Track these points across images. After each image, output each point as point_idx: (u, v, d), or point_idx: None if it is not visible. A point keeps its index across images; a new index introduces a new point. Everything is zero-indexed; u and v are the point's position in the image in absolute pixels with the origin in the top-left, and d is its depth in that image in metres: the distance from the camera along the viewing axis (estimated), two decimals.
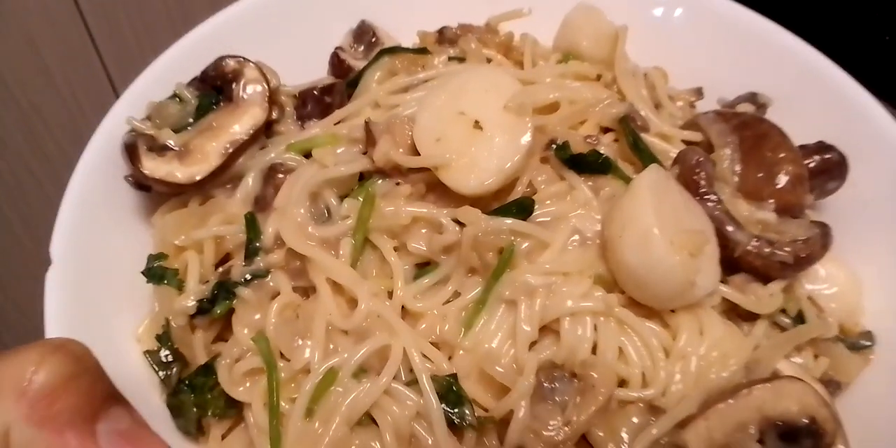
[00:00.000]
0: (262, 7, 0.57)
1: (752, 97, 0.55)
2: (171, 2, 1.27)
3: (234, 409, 0.41)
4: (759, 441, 0.39)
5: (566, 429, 0.36)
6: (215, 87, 0.51)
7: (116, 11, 1.27)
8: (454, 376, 0.38)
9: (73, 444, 0.34)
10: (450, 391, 0.38)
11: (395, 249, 0.43)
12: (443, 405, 0.38)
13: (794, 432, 0.39)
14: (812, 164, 0.50)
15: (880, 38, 0.80)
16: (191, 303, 0.43)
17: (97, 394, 0.35)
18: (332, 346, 0.40)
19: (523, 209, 0.42)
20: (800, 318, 0.45)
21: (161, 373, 0.42)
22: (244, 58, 0.51)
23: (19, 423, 0.33)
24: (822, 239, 0.44)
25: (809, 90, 0.54)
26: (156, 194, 0.50)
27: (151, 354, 0.43)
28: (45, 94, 1.32)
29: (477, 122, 0.43)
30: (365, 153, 0.46)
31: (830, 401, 0.39)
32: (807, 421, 0.38)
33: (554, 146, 0.45)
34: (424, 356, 0.39)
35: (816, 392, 0.38)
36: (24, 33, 1.22)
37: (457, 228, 0.42)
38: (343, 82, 0.54)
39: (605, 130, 0.50)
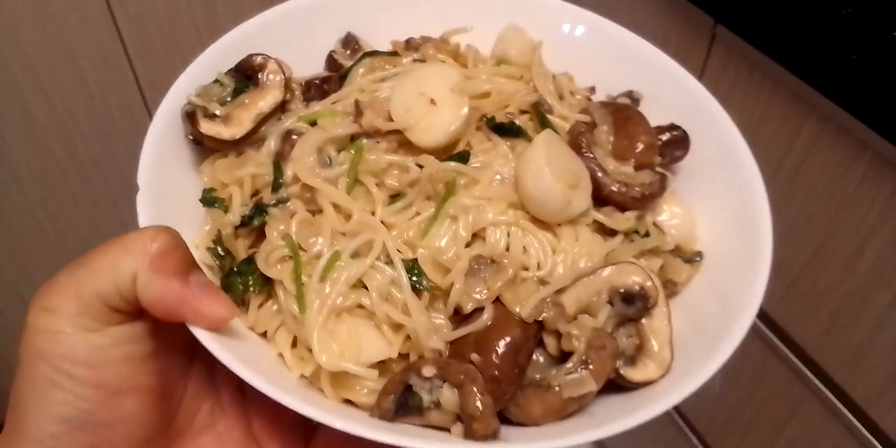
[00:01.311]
0: (275, 20, 0.73)
1: (629, 93, 0.72)
2: (200, 18, 1.36)
3: (267, 286, 0.58)
4: (609, 303, 0.57)
5: (486, 292, 0.56)
6: (246, 75, 0.67)
7: (149, 24, 1.34)
8: (416, 260, 0.56)
9: (175, 285, 0.49)
10: (412, 268, 0.55)
11: (377, 185, 0.59)
12: (409, 276, 0.55)
13: (630, 296, 0.56)
14: (665, 138, 0.67)
15: (848, 57, 0.87)
16: (237, 217, 0.60)
17: (188, 259, 0.52)
18: (335, 242, 0.58)
19: (462, 158, 0.60)
20: (647, 237, 0.65)
21: (217, 262, 0.60)
22: (267, 55, 0.68)
23: (143, 269, 0.48)
24: (660, 183, 0.62)
25: (667, 88, 0.71)
26: (203, 149, 0.66)
27: (211, 250, 0.60)
28: (78, 99, 1.39)
29: (432, 100, 0.60)
30: (355, 121, 0.63)
31: (656, 279, 0.59)
32: (638, 288, 0.57)
33: (485, 119, 0.63)
34: (397, 250, 0.57)
35: (645, 271, 0.58)
36: (63, 43, 1.30)
37: (419, 169, 0.59)
38: (337, 75, 0.72)
39: (523, 112, 0.67)
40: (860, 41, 0.87)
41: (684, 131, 0.69)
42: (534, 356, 0.57)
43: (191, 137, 0.64)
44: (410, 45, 0.74)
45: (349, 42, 0.77)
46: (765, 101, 0.98)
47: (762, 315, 1.22)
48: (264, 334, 0.61)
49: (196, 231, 0.63)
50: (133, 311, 0.52)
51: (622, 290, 0.57)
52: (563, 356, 0.57)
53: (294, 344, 0.59)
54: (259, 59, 0.68)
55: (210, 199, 0.62)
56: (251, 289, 0.58)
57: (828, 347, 1.14)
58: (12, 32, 1.29)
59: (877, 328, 1.07)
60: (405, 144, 0.62)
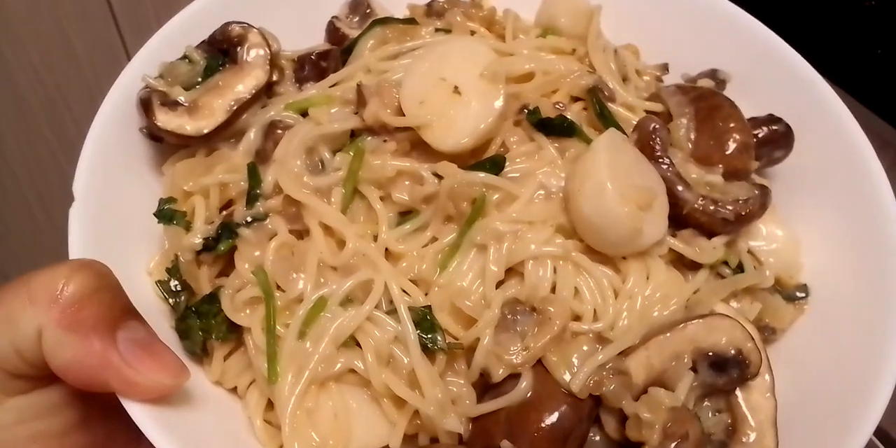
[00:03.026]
0: None
1: (712, 74, 0.59)
2: None
3: (234, 334, 0.46)
4: (693, 369, 0.44)
5: (524, 353, 0.42)
6: (222, 50, 0.54)
7: (144, 3, 1.27)
8: (428, 307, 0.43)
9: (97, 347, 0.38)
10: (424, 320, 0.42)
11: (381, 199, 0.47)
12: (418, 331, 0.42)
13: (723, 362, 0.43)
14: (761, 134, 0.54)
15: (872, 52, 0.82)
16: (198, 240, 0.47)
17: (118, 306, 0.40)
18: (322, 280, 0.44)
19: (496, 165, 0.47)
20: (740, 270, 0.50)
21: (171, 300, 0.47)
22: (248, 24, 0.54)
23: (50, 326, 0.37)
24: (761, 199, 0.48)
25: (766, 68, 0.57)
26: (166, 145, 0.54)
27: (162, 284, 0.47)
28: (70, 81, 1.33)
29: (456, 87, 0.47)
30: (356, 113, 0.50)
31: (758, 337, 0.44)
32: (734, 352, 0.43)
33: (526, 111, 0.49)
34: (403, 291, 0.44)
35: (744, 328, 0.43)
36: (55, 22, 1.24)
37: (436, 181, 0.46)
38: (338, 49, 0.57)
39: (576, 99, 0.53)
40: (885, 35, 0.82)
41: (787, 125, 0.55)
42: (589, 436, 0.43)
43: (145, 132, 0.50)
44: (433, 9, 0.60)
45: (358, 5, 0.63)
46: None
47: None
48: (235, 388, 0.47)
49: (150, 251, 0.50)
50: (41, 375, 0.40)
51: (711, 354, 0.43)
52: (627, 442, 0.42)
53: (270, 405, 0.46)
54: (238, 28, 0.54)
55: (167, 214, 0.49)
56: (213, 336, 0.45)
57: None
58: (2, 12, 1.22)
59: None
60: (419, 144, 0.49)
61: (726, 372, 0.43)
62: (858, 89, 0.82)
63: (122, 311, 0.40)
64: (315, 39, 0.61)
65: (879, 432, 1.05)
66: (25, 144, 1.40)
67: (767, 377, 0.44)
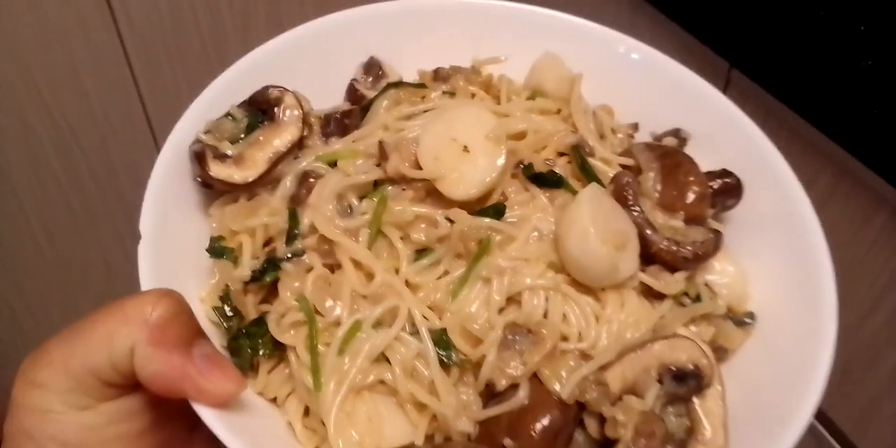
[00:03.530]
0: (290, 45, 0.67)
1: (675, 132, 0.67)
2: (207, 37, 1.30)
3: (277, 351, 0.53)
4: (659, 381, 0.52)
5: (522, 367, 0.50)
6: (261, 109, 0.62)
7: (156, 42, 1.29)
8: (444, 330, 0.51)
9: (177, 361, 0.45)
10: (441, 339, 0.50)
11: (401, 238, 0.54)
12: (436, 349, 0.50)
13: (683, 375, 0.51)
14: (716, 186, 0.61)
15: (869, 111, 0.83)
16: (246, 272, 0.55)
17: (192, 328, 0.47)
18: (355, 307, 0.52)
19: (497, 212, 0.55)
20: (698, 300, 0.58)
21: (224, 323, 0.55)
22: (284, 87, 0.62)
23: (141, 343, 0.44)
24: (715, 242, 0.57)
25: (720, 128, 0.65)
26: (211, 192, 0.61)
27: (217, 309, 0.54)
28: (81, 116, 1.35)
29: (465, 146, 0.55)
30: (378, 165, 0.57)
31: (711, 355, 0.53)
32: (692, 367, 0.51)
33: (522, 166, 0.57)
34: (423, 316, 0.52)
35: (700, 347, 0.52)
36: (66, 58, 1.26)
37: (448, 224, 0.54)
38: (358, 108, 0.67)
39: (561, 154, 0.61)
40: (881, 94, 0.82)
41: (737, 178, 0.63)
42: (574, 436, 0.52)
43: (199, 180, 0.59)
44: (439, 75, 0.68)
45: (372, 67, 0.72)
46: (779, 150, 0.94)
47: None
48: (275, 398, 0.55)
49: (202, 282, 0.58)
50: (128, 384, 0.47)
51: (674, 368, 0.52)
52: (605, 439, 0.51)
53: (306, 412, 0.54)
54: (276, 92, 0.62)
55: (218, 250, 0.57)
56: (261, 353, 0.53)
57: (838, 401, 1.09)
58: (13, 46, 1.25)
59: (890, 383, 1.02)
60: (433, 192, 0.57)
61: (686, 383, 0.52)
62: (857, 148, 0.86)
63: (195, 332, 0.48)
64: (336, 98, 0.69)
65: (821, 417, 1.14)
66: (34, 178, 1.42)
67: (719, 387, 0.53)
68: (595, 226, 0.52)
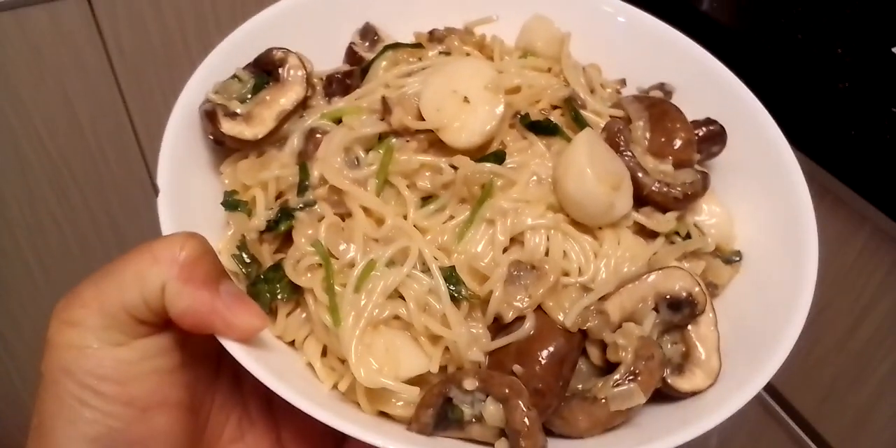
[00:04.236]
0: (289, 11, 0.70)
1: (661, 86, 0.70)
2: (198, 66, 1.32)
3: (295, 295, 0.56)
4: (655, 309, 0.55)
5: (527, 300, 0.53)
6: (266, 70, 0.64)
7: (148, 73, 1.31)
8: (453, 267, 0.54)
9: (206, 297, 0.47)
10: (450, 276, 0.53)
11: (408, 186, 0.57)
12: (447, 284, 0.53)
13: (677, 303, 0.54)
14: (701, 133, 0.65)
15: (847, 132, 0.86)
16: (262, 221, 0.57)
17: (219, 268, 0.50)
18: (368, 249, 0.55)
19: (498, 158, 0.58)
20: (689, 238, 0.63)
21: (243, 270, 0.58)
22: (288, 49, 0.65)
23: (172, 279, 0.46)
24: (703, 182, 0.60)
25: (703, 81, 0.69)
26: (221, 149, 0.64)
27: (236, 257, 0.57)
28: (74, 147, 1.36)
29: (466, 97, 0.58)
30: (382, 119, 0.60)
31: (703, 284, 0.57)
32: (685, 294, 0.55)
33: (519, 116, 0.60)
34: (433, 256, 0.55)
35: (693, 276, 0.56)
36: (59, 89, 1.27)
37: (452, 171, 0.56)
38: (359, 69, 0.70)
39: (554, 107, 0.65)
40: (858, 116, 0.85)
41: (721, 126, 0.67)
42: (577, 365, 0.55)
43: (211, 137, 0.62)
44: (434, 36, 0.71)
45: (367, 33, 0.74)
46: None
47: None
48: (292, 343, 0.58)
49: (218, 235, 0.61)
50: (160, 322, 0.50)
51: (668, 297, 0.55)
52: (608, 365, 0.55)
53: (324, 353, 0.57)
54: (280, 53, 0.65)
55: (233, 203, 0.60)
56: (279, 297, 0.56)
57: (826, 414, 1.12)
58: (9, 79, 1.26)
59: (876, 397, 1.05)
60: (436, 143, 0.60)
61: (680, 310, 0.55)
62: (836, 168, 0.89)
63: (221, 272, 0.51)
64: (335, 61, 0.72)
65: (808, 429, 1.17)
66: (28, 210, 1.43)
67: (711, 315, 0.57)
68: (592, 166, 0.55)
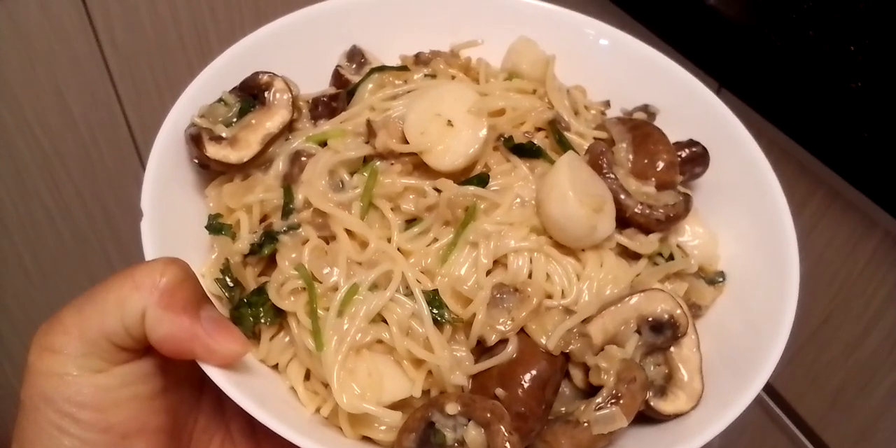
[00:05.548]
0: (276, 34, 0.70)
1: (645, 108, 0.71)
2: (193, 59, 1.31)
3: (278, 319, 0.56)
4: (637, 332, 0.56)
5: (510, 322, 0.54)
6: (252, 94, 0.64)
7: (139, 63, 1.29)
8: (436, 291, 0.54)
9: (186, 322, 0.47)
10: (433, 300, 0.53)
11: (392, 209, 0.57)
12: (430, 308, 0.53)
13: (659, 325, 0.55)
14: (684, 155, 0.65)
15: (859, 134, 0.83)
16: (245, 245, 0.57)
17: (199, 293, 0.50)
18: (351, 273, 0.56)
19: (482, 181, 0.58)
20: (672, 260, 0.63)
21: (227, 294, 0.58)
22: (274, 73, 0.65)
23: (152, 305, 0.47)
24: (685, 204, 0.61)
25: (687, 103, 0.70)
26: (206, 173, 0.64)
27: (219, 281, 0.57)
28: (67, 141, 1.35)
29: (449, 121, 0.58)
30: (367, 142, 0.61)
31: (685, 306, 0.57)
32: (667, 317, 0.55)
33: (502, 139, 0.61)
34: (416, 279, 0.55)
35: (675, 299, 0.56)
36: (51, 82, 1.26)
37: (436, 194, 0.57)
38: (344, 91, 0.70)
39: (539, 130, 0.65)
40: (871, 117, 0.82)
41: (704, 148, 0.67)
42: (560, 389, 0.55)
43: (196, 161, 0.62)
44: (420, 59, 0.72)
45: (354, 55, 0.75)
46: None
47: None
48: (275, 366, 0.58)
49: (202, 258, 0.61)
50: (140, 348, 0.50)
51: (651, 319, 0.55)
52: (591, 388, 0.55)
53: (307, 376, 0.57)
54: (265, 77, 0.65)
55: (217, 226, 0.60)
56: (262, 321, 0.56)
57: (832, 423, 1.10)
58: (0, 76, 1.25)
59: (884, 406, 1.03)
60: (420, 166, 0.60)
61: (662, 332, 0.56)
62: (847, 170, 0.86)
63: (202, 297, 0.51)
64: (322, 84, 0.72)
65: (815, 440, 1.16)
66: (21, 204, 1.42)
67: (693, 336, 0.57)
68: (574, 189, 0.55)
